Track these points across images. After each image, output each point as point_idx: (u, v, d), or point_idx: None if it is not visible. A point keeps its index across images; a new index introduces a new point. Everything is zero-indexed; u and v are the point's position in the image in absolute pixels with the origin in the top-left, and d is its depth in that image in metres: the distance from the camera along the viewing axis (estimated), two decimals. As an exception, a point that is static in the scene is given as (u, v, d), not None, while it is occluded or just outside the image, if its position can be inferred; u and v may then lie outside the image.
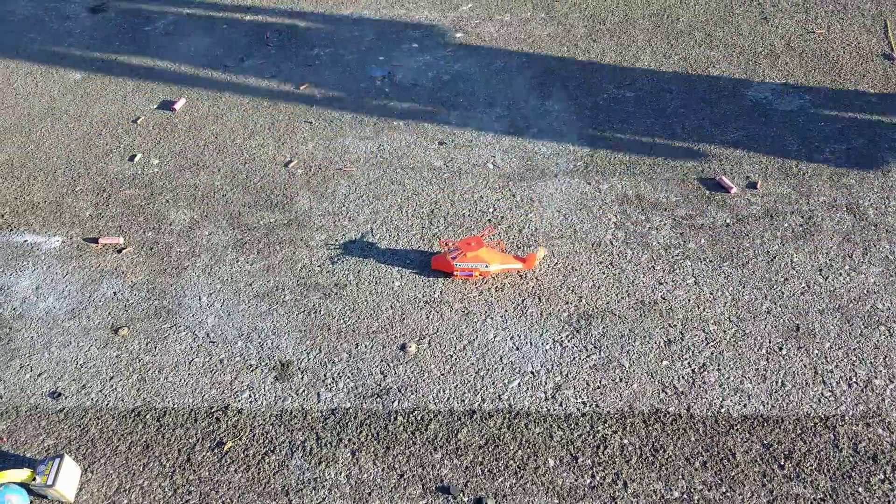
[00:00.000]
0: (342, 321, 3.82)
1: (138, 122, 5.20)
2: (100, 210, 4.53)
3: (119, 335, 3.80)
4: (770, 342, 3.63)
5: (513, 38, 5.76)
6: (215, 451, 3.32)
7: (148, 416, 3.46)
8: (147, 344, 3.77)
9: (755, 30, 5.75)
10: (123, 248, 4.27)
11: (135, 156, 4.91)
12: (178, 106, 5.30)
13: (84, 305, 3.96)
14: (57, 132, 5.13)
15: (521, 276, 3.98)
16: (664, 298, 3.84)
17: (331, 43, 5.88)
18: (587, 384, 3.51)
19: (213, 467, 3.26)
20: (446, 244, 3.96)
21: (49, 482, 3.10)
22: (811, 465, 3.17)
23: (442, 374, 3.58)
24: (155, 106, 5.34)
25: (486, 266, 3.87)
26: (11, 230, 4.42)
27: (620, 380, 3.52)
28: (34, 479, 3.12)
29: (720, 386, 3.48)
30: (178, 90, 5.47)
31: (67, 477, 3.16)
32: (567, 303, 3.86)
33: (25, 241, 4.35)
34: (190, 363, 3.68)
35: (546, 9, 6.08)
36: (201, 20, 6.22)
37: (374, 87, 5.40)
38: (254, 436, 3.37)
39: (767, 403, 3.39)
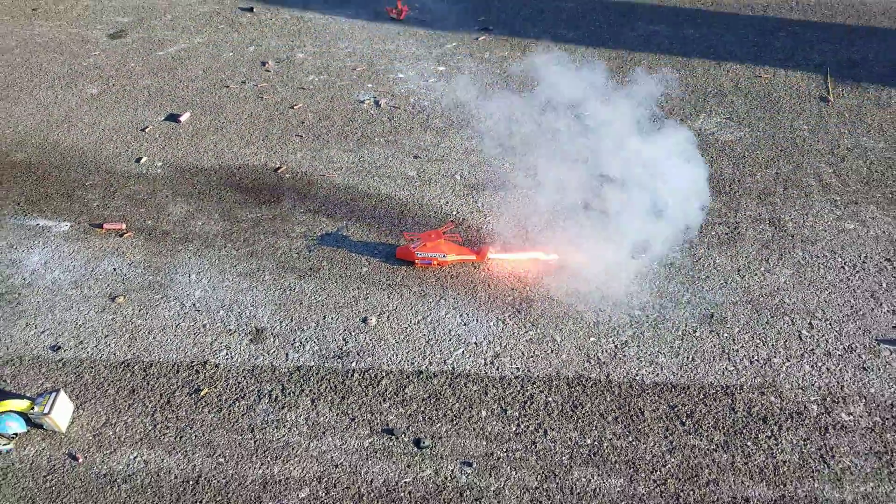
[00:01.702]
0: (313, 298, 4.35)
1: (146, 130, 5.81)
2: (106, 201, 5.09)
3: (115, 302, 4.32)
4: (686, 326, 4.14)
5: (489, 72, 6.40)
6: (192, 396, 3.81)
7: (136, 367, 3.96)
8: (140, 310, 4.29)
9: (708, 72, 6.39)
10: (125, 233, 4.81)
11: (141, 158, 5.50)
12: (183, 118, 5.92)
13: (86, 278, 4.49)
14: (72, 137, 5.73)
15: (474, 266, 4.51)
16: (597, 289, 4.35)
17: (325, 71, 6.54)
18: (522, 354, 4.01)
19: (190, 409, 3.75)
20: (410, 237, 4.51)
21: (45, 411, 3.58)
22: (709, 424, 3.64)
23: (396, 343, 4.08)
24: (162, 118, 5.96)
25: (444, 256, 4.41)
26: (25, 215, 4.98)
27: (552, 351, 4.02)
28: (32, 409, 3.60)
29: (638, 359, 3.97)
30: (184, 105, 6.10)
31: (61, 409, 3.65)
32: (512, 289, 4.38)
33: (38, 224, 4.90)
34: (176, 326, 4.19)
35: (522, 50, 6.75)
36: (209, 48, 6.91)
37: (361, 109, 6.02)
38: (227, 385, 3.86)
39: (677, 374, 3.88)
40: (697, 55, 6.60)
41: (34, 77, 6.44)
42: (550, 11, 7.43)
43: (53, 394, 3.62)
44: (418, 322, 4.19)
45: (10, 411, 3.59)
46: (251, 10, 7.54)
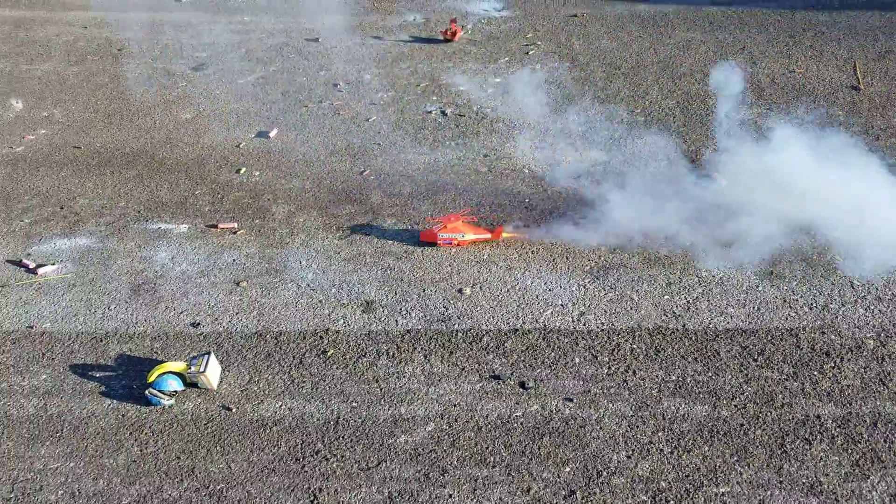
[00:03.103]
0: (412, 275, 4.93)
1: (240, 146, 6.49)
2: (215, 206, 5.74)
3: (240, 286, 4.93)
4: (749, 282, 4.66)
5: (542, 82, 7.03)
6: (320, 356, 4.39)
7: (267, 336, 4.56)
8: (262, 291, 4.89)
9: (745, 70, 6.97)
10: (238, 231, 5.45)
11: (240, 169, 6.16)
12: (272, 134, 6.61)
13: (210, 268, 5.12)
14: (175, 154, 6.42)
15: (498, 244, 5.06)
16: (667, 255, 4.90)
17: (392, 88, 7.21)
18: (605, 311, 4.55)
19: (320, 366, 4.33)
20: (432, 221, 5.07)
21: (201, 369, 4.18)
22: (778, 359, 4.15)
23: (491, 308, 4.64)
24: (253, 135, 6.65)
25: (463, 236, 4.99)
26: (147, 221, 5.63)
27: (631, 308, 4.56)
28: (189, 369, 4.20)
29: (709, 311, 4.50)
30: (270, 123, 6.78)
31: (213, 368, 4.24)
32: (589, 260, 4.94)
33: (159, 227, 5.56)
34: (296, 303, 4.79)
35: (571, 60, 7.39)
36: (284, 74, 7.62)
37: (430, 118, 6.67)
38: (349, 347, 4.44)
39: (745, 321, 4.40)
40: (734, 56, 7.18)
41: (132, 107, 7.18)
42: (593, 24, 8.08)
43: (206, 355, 4.22)
44: (508, 290, 4.75)
45: (170, 372, 4.18)
46: (317, 40, 8.27)
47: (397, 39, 8.14)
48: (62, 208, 5.77)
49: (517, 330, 4.46)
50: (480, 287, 4.79)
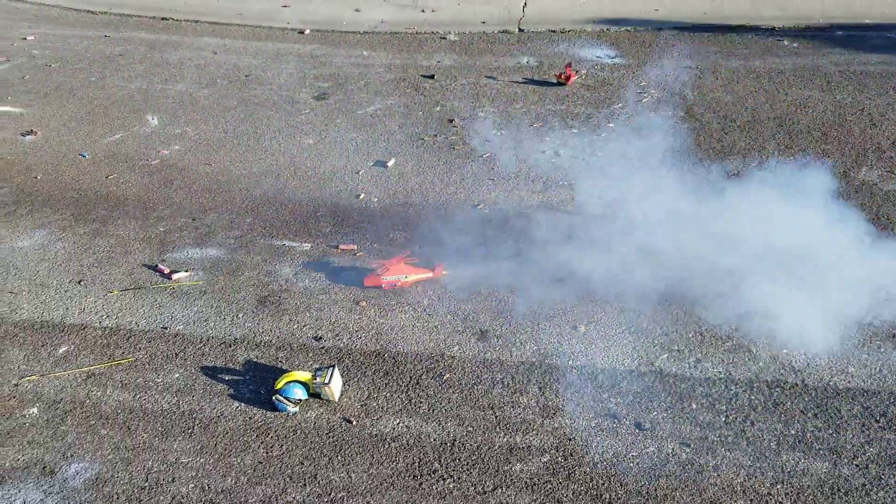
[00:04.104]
0: (526, 309, 5.03)
1: (359, 173, 6.76)
2: (336, 228, 5.99)
3: (359, 305, 5.13)
4: (871, 343, 4.59)
5: (656, 129, 7.11)
6: (437, 379, 4.52)
7: (385, 355, 4.72)
8: (380, 312, 5.08)
9: (865, 132, 6.90)
10: (357, 253, 5.67)
11: (359, 195, 6.42)
12: (389, 164, 6.86)
13: (331, 286, 5.34)
14: (299, 177, 6.74)
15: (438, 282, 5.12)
16: (786, 312, 4.87)
17: (506, 127, 7.40)
18: (722, 360, 4.55)
19: (437, 388, 4.46)
20: (375, 265, 5.28)
21: (326, 381, 4.36)
22: (904, 423, 4.07)
23: (605, 346, 4.70)
24: (371, 164, 6.92)
25: (406, 277, 5.20)
26: (272, 237, 5.92)
27: (749, 359, 4.54)
28: (314, 379, 4.39)
29: (829, 369, 4.45)
30: (387, 153, 7.05)
31: (336, 381, 4.42)
32: (706, 308, 4.96)
33: (283, 244, 5.83)
34: (413, 326, 4.95)
35: (685, 110, 7.45)
36: (401, 108, 7.92)
37: (543, 158, 6.82)
38: (465, 372, 4.56)
39: (867, 382, 4.33)
40: (852, 117, 7.11)
41: (258, 130, 7.57)
42: (707, 76, 8.13)
43: (331, 368, 4.40)
44: (623, 331, 4.80)
45: (296, 381, 4.38)
46: (432, 77, 8.56)
47: (511, 80, 8.36)
48: (194, 220, 6.12)
49: (632, 371, 4.49)
50: (595, 325, 4.84)
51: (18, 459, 4.10)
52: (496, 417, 4.25)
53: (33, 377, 4.61)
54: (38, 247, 5.83)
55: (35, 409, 4.40)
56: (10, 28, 10.55)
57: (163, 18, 10.79)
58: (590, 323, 4.88)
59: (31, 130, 7.66)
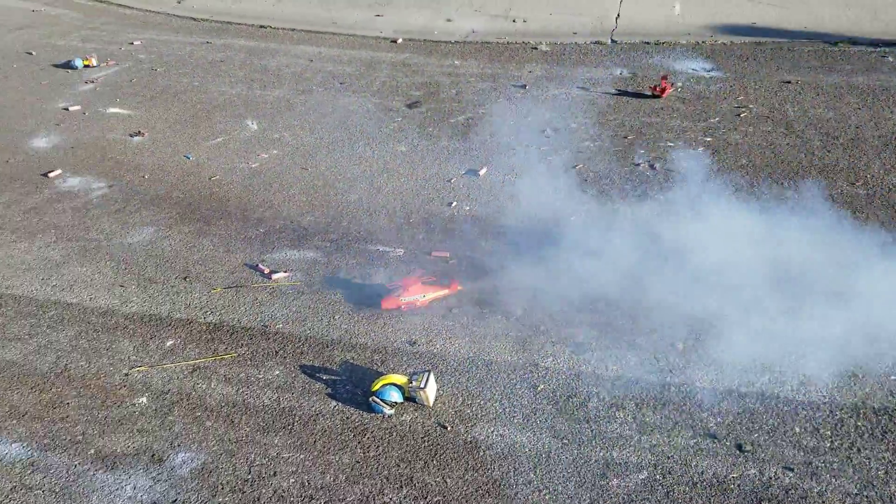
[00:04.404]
0: (623, 323, 4.98)
1: (451, 181, 6.83)
2: (428, 235, 6.06)
3: (452, 312, 5.17)
4: None
5: (755, 145, 6.95)
6: (531, 389, 4.52)
7: (479, 363, 4.75)
8: (473, 320, 5.11)
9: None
10: (450, 261, 5.72)
11: (452, 203, 6.48)
12: (481, 173, 6.91)
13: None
14: (392, 183, 6.84)
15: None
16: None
17: (598, 138, 7.36)
18: (826, 384, 4.41)
19: (531, 399, 4.46)
20: (391, 286, 5.23)
21: (422, 385, 4.41)
22: None
23: (705, 365, 4.61)
24: (463, 172, 6.98)
25: (423, 296, 5.17)
26: (367, 242, 6.03)
27: (855, 384, 4.39)
28: (410, 383, 4.45)
29: (945, 399, 4.26)
30: (480, 162, 7.09)
31: (432, 386, 4.47)
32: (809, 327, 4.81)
33: (377, 248, 5.93)
34: (506, 335, 4.97)
35: (785, 126, 7.26)
36: (492, 117, 7.96)
37: (637, 171, 6.74)
38: (559, 384, 4.55)
39: None
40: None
41: (352, 136, 7.73)
42: (807, 92, 7.91)
43: (426, 372, 4.45)
44: (723, 350, 4.70)
45: (393, 384, 4.44)
46: (524, 87, 8.58)
47: (604, 91, 8.31)
48: (291, 222, 6.29)
49: (733, 391, 4.40)
50: (694, 344, 4.76)
51: (129, 446, 4.29)
52: (592, 431, 4.22)
53: (142, 368, 4.81)
54: (146, 243, 6.10)
55: (144, 399, 4.60)
56: (119, 33, 11.08)
57: (261, 26, 11.14)
58: (688, 340, 4.78)
59: (139, 132, 8.01)
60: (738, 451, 4.02)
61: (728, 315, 4.88)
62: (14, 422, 4.50)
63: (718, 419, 4.22)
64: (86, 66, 9.77)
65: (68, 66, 9.83)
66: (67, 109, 8.66)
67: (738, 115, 7.54)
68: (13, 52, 10.59)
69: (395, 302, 5.19)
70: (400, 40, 10.32)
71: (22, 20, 12.00)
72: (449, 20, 10.82)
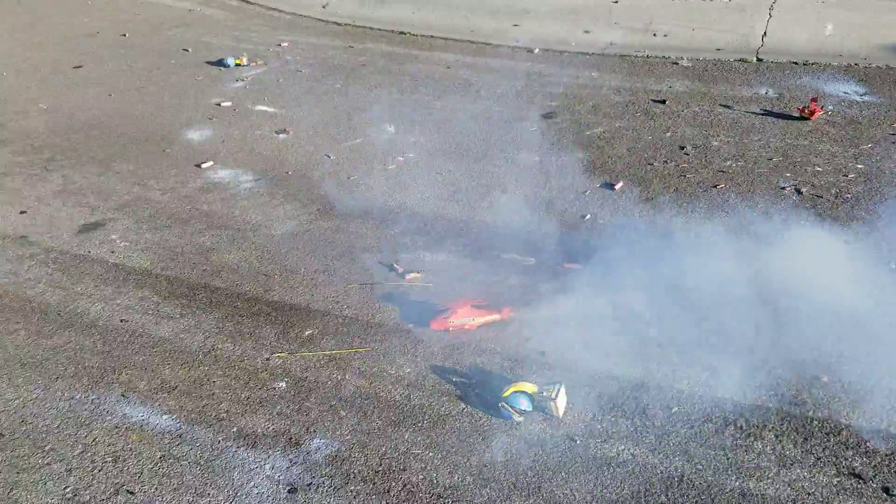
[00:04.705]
0: (766, 351, 4.80)
1: (586, 194, 6.78)
2: (560, 247, 6.03)
3: (583, 325, 5.13)
4: None
5: (913, 173, 6.55)
6: (665, 410, 4.44)
7: (611, 379, 4.69)
8: (607, 335, 5.05)
9: None
10: (581, 273, 5.68)
11: (585, 215, 6.44)
12: (617, 187, 6.83)
13: (557, 303, 5.38)
14: (525, 192, 6.86)
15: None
16: None
17: (741, 158, 7.13)
18: None
19: (664, 420, 4.37)
20: (441, 308, 5.20)
21: (552, 396, 4.41)
22: None
23: (850, 401, 4.38)
24: (598, 185, 6.92)
25: (473, 319, 5.09)
26: (499, 250, 6.07)
27: None
28: (541, 393, 4.45)
29: None
30: (615, 176, 7.01)
31: (562, 398, 4.45)
32: (970, 374, 4.49)
33: (509, 257, 5.96)
34: (639, 353, 4.90)
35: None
36: (629, 132, 7.86)
37: (783, 194, 6.49)
38: (694, 408, 4.43)
39: None
40: None
41: (486, 143, 7.82)
42: (979, 121, 7.37)
43: (558, 384, 4.44)
44: (872, 387, 4.45)
45: (523, 391, 4.46)
46: (664, 102, 8.42)
47: (747, 111, 8.06)
48: (425, 225, 6.42)
49: (881, 431, 4.16)
50: (839, 377, 4.54)
51: (268, 427, 4.50)
52: (727, 459, 4.10)
53: (282, 354, 5.04)
54: (288, 236, 6.38)
55: (283, 384, 4.81)
56: (268, 35, 11.65)
57: (400, 32, 11.44)
58: (833, 373, 4.57)
59: (285, 129, 8.40)
60: (884, 495, 3.81)
61: (879, 351, 4.62)
62: (165, 395, 4.80)
63: (864, 459, 4.01)
64: (237, 65, 10.32)
65: (221, 63, 10.40)
66: (219, 105, 9.17)
67: (894, 142, 7.13)
68: (171, 48, 11.33)
69: (444, 324, 5.20)
70: (537, 50, 10.35)
71: (179, 19, 12.82)
72: (587, 32, 10.77)
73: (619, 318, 5.14)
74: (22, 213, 7.00)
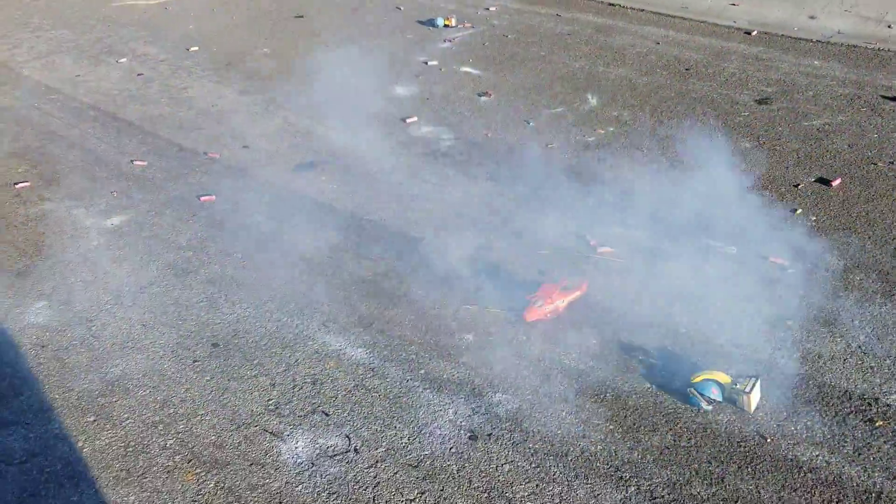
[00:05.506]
0: None
1: (798, 187, 6.39)
2: (767, 237, 5.72)
3: (785, 324, 4.87)
4: None
5: None
6: (866, 423, 4.16)
7: (810, 383, 4.45)
8: (808, 335, 4.79)
9: None
10: (788, 270, 5.38)
11: (796, 209, 6.06)
12: (835, 183, 6.39)
13: (755, 298, 5.14)
14: (732, 179, 6.53)
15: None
16: None
17: None
18: None
19: (864, 432, 4.10)
20: (531, 298, 5.02)
21: (746, 390, 4.24)
22: None
23: None
24: (812, 179, 6.50)
25: (563, 301, 5.04)
26: (699, 234, 5.85)
27: None
28: (734, 385, 4.29)
29: None
30: (832, 172, 6.55)
31: (756, 393, 4.28)
32: None
33: (709, 243, 5.74)
34: (844, 360, 4.62)
35: None
36: (852, 126, 7.28)
37: None
38: (902, 426, 4.12)
39: None
40: None
41: (694, 124, 7.50)
42: None
43: (753, 378, 4.27)
44: None
45: (715, 380, 4.32)
46: (895, 99, 7.72)
47: None
48: (621, 200, 6.32)
49: None
50: None
51: (454, 375, 4.67)
52: (935, 486, 3.78)
53: (472, 308, 5.18)
54: (482, 195, 6.51)
55: (470, 336, 4.96)
56: (478, -1, 11.79)
57: (610, 4, 11.22)
58: None
59: (486, 92, 8.52)
60: None
61: None
62: (361, 329, 5.10)
63: None
64: (445, 26, 10.56)
65: (431, 23, 10.69)
66: (426, 63, 9.45)
67: None
68: (386, 5, 11.74)
69: (540, 312, 5.04)
70: (755, 32, 9.82)
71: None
72: (812, 17, 10.06)
73: (825, 321, 4.86)
74: (244, 147, 7.59)
